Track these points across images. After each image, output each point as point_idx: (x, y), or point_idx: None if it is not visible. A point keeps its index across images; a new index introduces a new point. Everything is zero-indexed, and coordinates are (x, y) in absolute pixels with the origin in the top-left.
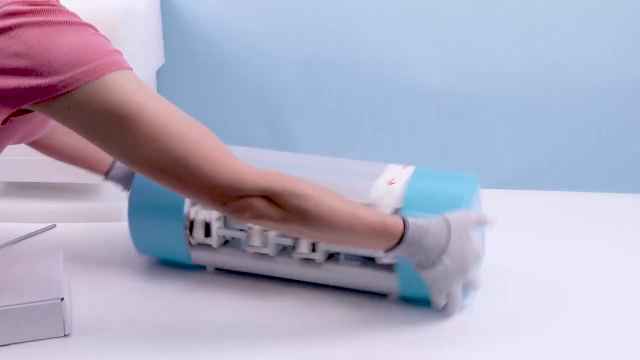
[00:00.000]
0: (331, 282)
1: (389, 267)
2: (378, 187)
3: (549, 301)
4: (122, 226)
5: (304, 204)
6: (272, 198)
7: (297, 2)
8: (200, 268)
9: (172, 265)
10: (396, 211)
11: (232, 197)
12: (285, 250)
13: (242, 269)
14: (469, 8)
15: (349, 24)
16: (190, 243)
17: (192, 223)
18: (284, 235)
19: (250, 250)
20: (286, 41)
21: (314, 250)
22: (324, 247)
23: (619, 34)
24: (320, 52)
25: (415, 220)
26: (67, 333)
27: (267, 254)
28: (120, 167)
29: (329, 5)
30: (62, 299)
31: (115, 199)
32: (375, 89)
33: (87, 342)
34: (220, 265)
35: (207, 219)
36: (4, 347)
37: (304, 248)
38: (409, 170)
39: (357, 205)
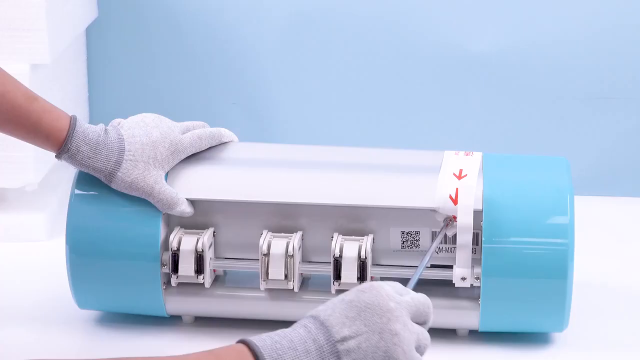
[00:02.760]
0: None
1: (470, 295)
2: (446, 183)
3: None
4: (38, 248)
5: None
6: None
7: None
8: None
9: (123, 315)
10: (479, 214)
11: None
12: (311, 282)
13: (250, 315)
14: None
15: None
16: (166, 285)
17: (175, 256)
18: (317, 262)
19: (265, 286)
20: None
21: (361, 277)
22: (378, 270)
23: None
24: (314, 3)
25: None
26: None
27: (290, 290)
28: (85, 133)
29: None
30: None
31: (27, 210)
32: (395, 53)
33: None
34: (215, 313)
35: (199, 247)
36: None
37: (349, 275)
38: (477, 157)
39: None
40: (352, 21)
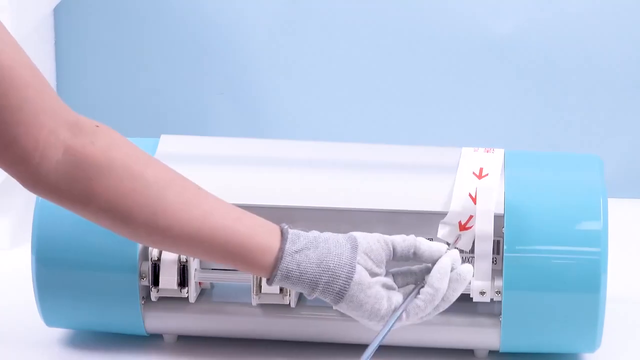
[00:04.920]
0: (394, 343)
1: (490, 311)
2: (465, 182)
3: None
4: (0, 257)
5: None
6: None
7: None
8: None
9: (96, 333)
10: (500, 219)
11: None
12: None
13: (240, 334)
14: None
15: None
16: (145, 300)
17: (155, 267)
18: None
19: (258, 301)
20: None
21: None
22: None
23: None
24: None
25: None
26: None
27: (285, 305)
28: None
29: None
30: None
31: None
32: (404, 35)
33: None
34: (200, 331)
35: (183, 257)
36: None
37: None
38: (499, 154)
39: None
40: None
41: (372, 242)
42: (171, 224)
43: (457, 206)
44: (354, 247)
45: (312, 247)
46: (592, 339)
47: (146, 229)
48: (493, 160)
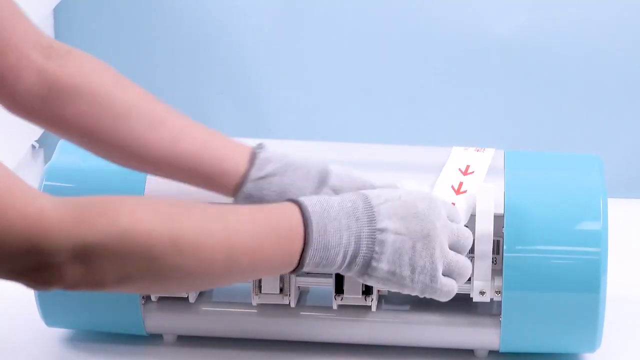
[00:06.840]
0: (394, 342)
1: (490, 311)
2: (447, 176)
3: None
4: None
5: (146, 252)
6: (90, 257)
7: None
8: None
9: (96, 333)
10: (500, 219)
11: (30, 265)
12: (309, 297)
13: (240, 334)
14: None
15: None
16: (145, 300)
17: None
18: (316, 275)
19: (257, 301)
20: None
21: (366, 291)
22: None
23: None
24: None
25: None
26: None
27: (285, 305)
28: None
29: None
30: None
31: None
32: (402, 35)
33: None
34: (200, 331)
35: None
36: None
37: (352, 288)
38: (488, 153)
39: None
40: (354, 0)
41: (346, 181)
42: (138, 146)
43: (437, 193)
44: (322, 183)
45: (278, 175)
46: (592, 339)
47: (118, 151)
48: (481, 158)
